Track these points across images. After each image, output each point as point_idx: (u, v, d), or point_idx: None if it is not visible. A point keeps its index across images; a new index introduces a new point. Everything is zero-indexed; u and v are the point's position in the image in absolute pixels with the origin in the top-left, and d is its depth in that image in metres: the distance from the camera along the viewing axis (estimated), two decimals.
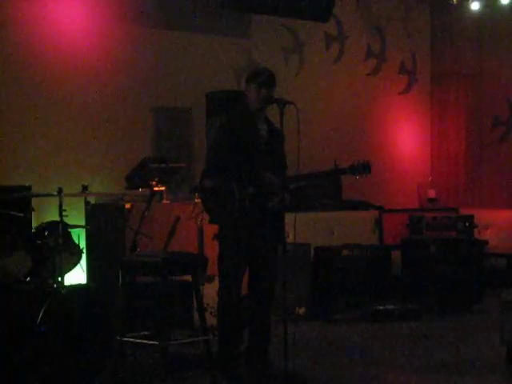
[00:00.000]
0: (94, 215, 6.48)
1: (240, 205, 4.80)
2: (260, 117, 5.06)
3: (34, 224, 5.69)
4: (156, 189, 6.31)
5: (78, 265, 5.57)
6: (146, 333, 5.22)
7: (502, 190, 9.41)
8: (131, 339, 5.10)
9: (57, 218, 5.06)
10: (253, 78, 5.03)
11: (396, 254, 7.60)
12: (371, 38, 9.69)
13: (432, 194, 9.68)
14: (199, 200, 5.36)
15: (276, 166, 4.98)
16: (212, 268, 5.17)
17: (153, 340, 4.95)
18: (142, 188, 6.48)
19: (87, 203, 6.13)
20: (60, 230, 4.99)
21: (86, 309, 4.75)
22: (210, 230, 5.36)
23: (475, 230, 7.86)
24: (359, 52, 9.59)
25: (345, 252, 7.20)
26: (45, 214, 6.25)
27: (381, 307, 7.02)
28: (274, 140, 5.05)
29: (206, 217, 5.25)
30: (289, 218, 4.85)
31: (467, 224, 7.68)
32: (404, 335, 6.40)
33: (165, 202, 6.58)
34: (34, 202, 5.72)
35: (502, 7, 9.18)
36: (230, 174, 4.85)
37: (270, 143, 5.04)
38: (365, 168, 4.80)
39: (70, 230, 5.44)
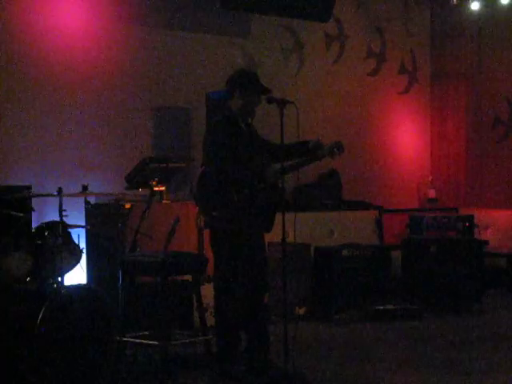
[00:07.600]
0: (93, 215, 6.48)
1: (250, 197, 4.81)
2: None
3: (34, 224, 5.68)
4: (156, 189, 6.31)
5: (78, 265, 5.56)
6: (146, 333, 5.22)
7: (502, 190, 9.40)
8: (131, 339, 5.11)
9: (57, 218, 5.06)
10: (243, 83, 5.07)
11: (396, 254, 7.61)
12: (371, 38, 9.68)
13: (432, 194, 9.68)
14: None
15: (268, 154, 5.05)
16: (212, 268, 5.17)
17: (153, 340, 4.96)
18: (141, 188, 6.48)
19: (87, 203, 6.12)
20: (60, 229, 4.99)
21: (86, 309, 4.75)
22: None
23: (475, 230, 7.85)
24: (359, 52, 9.58)
25: (345, 252, 7.20)
26: (45, 214, 6.24)
27: (381, 307, 7.02)
28: (252, 134, 5.11)
29: None
30: (289, 217, 4.85)
31: (467, 224, 7.68)
32: (404, 335, 6.40)
33: (165, 201, 6.57)
34: (34, 202, 5.71)
35: (502, 7, 9.18)
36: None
37: (253, 138, 5.09)
38: (339, 147, 5.01)
39: (69, 229, 5.43)
